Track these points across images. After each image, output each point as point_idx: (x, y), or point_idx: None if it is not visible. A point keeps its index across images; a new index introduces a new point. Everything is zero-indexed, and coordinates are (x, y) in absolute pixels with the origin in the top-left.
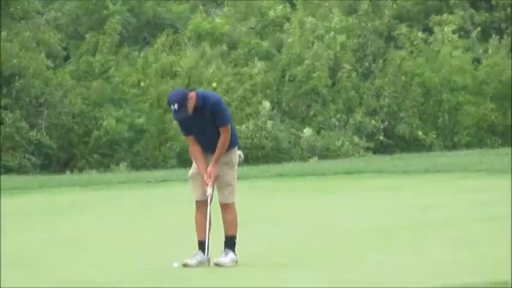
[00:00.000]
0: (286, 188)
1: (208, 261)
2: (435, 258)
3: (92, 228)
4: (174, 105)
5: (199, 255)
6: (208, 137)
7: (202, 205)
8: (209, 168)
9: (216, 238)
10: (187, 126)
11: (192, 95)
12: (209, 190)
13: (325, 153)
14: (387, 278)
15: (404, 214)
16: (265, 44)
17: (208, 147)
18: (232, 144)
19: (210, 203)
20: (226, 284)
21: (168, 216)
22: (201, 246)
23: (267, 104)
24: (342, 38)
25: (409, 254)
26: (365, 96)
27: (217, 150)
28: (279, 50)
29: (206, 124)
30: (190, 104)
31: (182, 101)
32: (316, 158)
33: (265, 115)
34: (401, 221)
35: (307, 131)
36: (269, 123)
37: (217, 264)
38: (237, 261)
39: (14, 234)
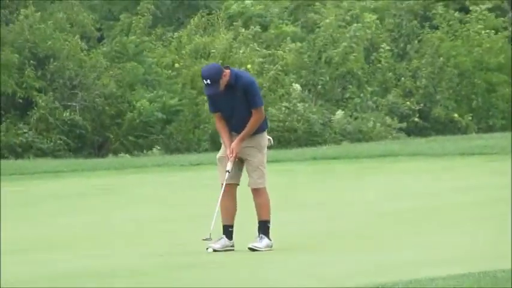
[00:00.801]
0: (321, 171)
1: (233, 246)
2: (472, 240)
3: (126, 212)
4: (207, 80)
5: (224, 240)
6: (237, 116)
7: (228, 188)
8: (233, 144)
9: (250, 223)
10: (217, 102)
11: (227, 72)
12: (229, 165)
13: (358, 136)
14: (424, 259)
15: (441, 197)
16: (296, 26)
17: (236, 126)
18: (261, 128)
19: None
20: (261, 269)
21: (202, 200)
22: (226, 230)
23: (297, 86)
24: (375, 17)
25: (445, 236)
26: (402, 78)
27: (246, 129)
28: (312, 31)
29: (236, 103)
30: (223, 80)
31: (216, 76)
32: (348, 141)
33: (296, 97)
34: (437, 204)
35: (339, 114)
36: (300, 106)
37: (251, 249)
38: (271, 246)
39: (49, 218)
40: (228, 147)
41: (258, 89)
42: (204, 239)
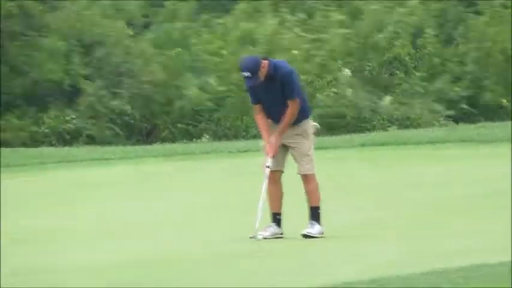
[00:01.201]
0: (369, 157)
1: (282, 233)
2: None
3: (175, 199)
4: (246, 73)
5: (273, 227)
6: (277, 108)
7: (273, 175)
8: (271, 139)
9: (300, 210)
10: (257, 94)
11: (265, 63)
12: (269, 161)
13: (406, 122)
14: (474, 246)
15: (490, 184)
16: (341, 13)
17: (277, 118)
18: (305, 115)
19: (269, 176)
20: (314, 256)
21: (250, 187)
22: (274, 218)
23: (347, 71)
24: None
25: (495, 224)
26: (449, 63)
27: (283, 123)
28: (357, 17)
29: (276, 94)
30: (262, 72)
31: (255, 68)
32: (396, 127)
33: (345, 83)
34: (487, 191)
35: (387, 99)
36: (349, 91)
37: (305, 236)
38: (323, 233)
39: (98, 205)
40: (267, 142)
41: (295, 80)
42: (251, 237)
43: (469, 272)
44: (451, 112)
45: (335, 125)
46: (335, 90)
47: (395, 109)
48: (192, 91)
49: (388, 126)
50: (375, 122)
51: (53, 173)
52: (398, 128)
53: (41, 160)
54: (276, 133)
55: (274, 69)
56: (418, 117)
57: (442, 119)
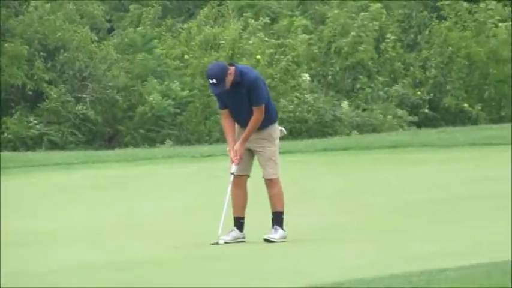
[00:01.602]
0: (332, 162)
1: (244, 237)
2: (483, 231)
3: (137, 204)
4: (212, 80)
5: (235, 232)
6: (244, 113)
7: (238, 180)
8: (236, 146)
9: (263, 214)
10: (224, 99)
11: (231, 69)
12: (233, 168)
13: (368, 128)
14: (434, 251)
15: (451, 188)
16: (306, 18)
17: (244, 122)
18: (272, 120)
19: (234, 180)
20: (277, 260)
21: (214, 191)
22: (237, 222)
23: (306, 77)
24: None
25: (456, 228)
26: (411, 67)
27: (247, 130)
28: (322, 22)
29: (242, 100)
30: (229, 79)
31: (221, 75)
32: (357, 132)
33: (306, 88)
34: (448, 195)
35: (345, 105)
36: (309, 97)
37: (267, 240)
38: (286, 237)
39: (59, 211)
40: (232, 149)
41: (261, 86)
42: (212, 244)
43: (431, 275)
44: (414, 118)
45: (297, 130)
46: (297, 94)
47: (356, 115)
48: (156, 98)
49: (349, 133)
50: (337, 127)
51: (15, 178)
52: (360, 133)
53: (4, 165)
54: (240, 140)
55: (241, 75)
56: (381, 124)
57: (405, 125)
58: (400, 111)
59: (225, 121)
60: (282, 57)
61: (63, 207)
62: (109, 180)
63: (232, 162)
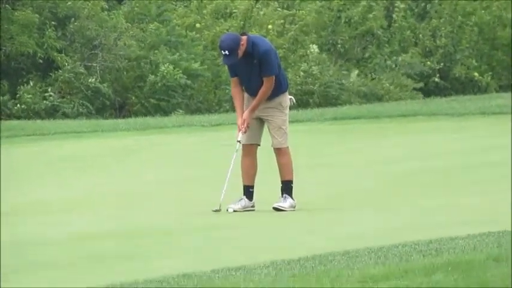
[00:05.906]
0: (341, 131)
1: (253, 206)
2: (493, 200)
3: (146, 173)
4: (225, 51)
5: (244, 201)
6: (254, 83)
7: (248, 148)
8: (244, 114)
9: (272, 184)
10: (235, 68)
11: (244, 40)
12: (240, 136)
13: (374, 98)
14: (444, 220)
15: (461, 156)
16: None
17: (253, 92)
18: (282, 89)
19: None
20: (285, 227)
21: (222, 160)
22: (246, 191)
23: (314, 47)
24: None
25: (465, 196)
26: (421, 36)
27: (256, 99)
28: None
29: (253, 70)
30: (241, 49)
31: (234, 47)
32: (364, 102)
33: (313, 60)
34: (458, 164)
35: (353, 75)
36: (315, 68)
37: (276, 209)
38: (295, 206)
39: (68, 179)
40: (240, 117)
41: (272, 58)
42: (214, 210)
43: (440, 244)
44: (417, 85)
45: (305, 102)
46: (304, 65)
47: (363, 84)
48: (168, 69)
49: (358, 102)
50: (343, 99)
51: (25, 146)
52: (366, 103)
53: (14, 133)
54: (248, 109)
55: (253, 46)
56: (385, 93)
57: (409, 92)
58: (405, 80)
59: (235, 89)
60: (292, 26)
61: (69, 176)
62: (118, 149)
63: (239, 130)
